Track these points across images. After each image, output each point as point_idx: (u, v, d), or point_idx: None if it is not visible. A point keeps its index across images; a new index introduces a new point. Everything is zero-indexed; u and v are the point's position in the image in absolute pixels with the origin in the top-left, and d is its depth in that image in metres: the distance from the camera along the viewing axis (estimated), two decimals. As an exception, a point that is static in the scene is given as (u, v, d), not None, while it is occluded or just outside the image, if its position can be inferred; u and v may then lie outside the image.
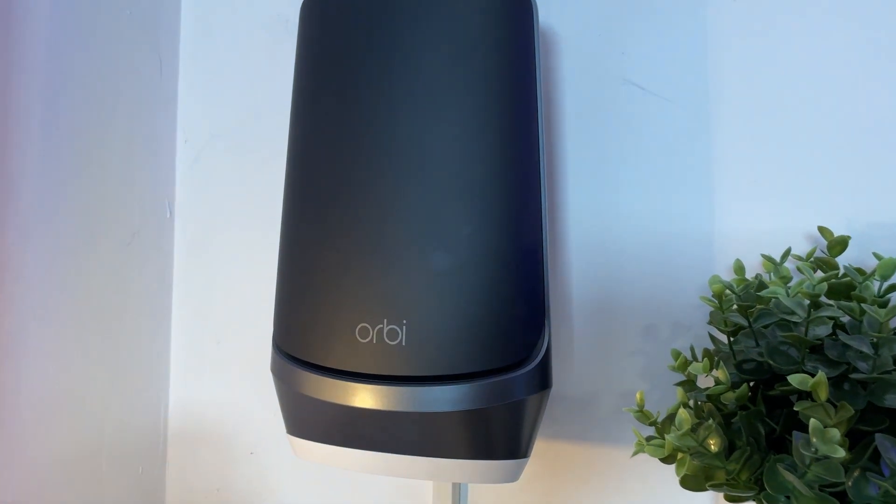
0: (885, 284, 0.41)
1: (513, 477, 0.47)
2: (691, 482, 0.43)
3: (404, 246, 0.45)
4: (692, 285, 0.54)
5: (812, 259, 0.45)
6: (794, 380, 0.36)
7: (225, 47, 0.68)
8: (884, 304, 0.42)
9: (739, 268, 0.46)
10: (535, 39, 0.49)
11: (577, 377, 0.56)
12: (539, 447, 0.57)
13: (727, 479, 0.40)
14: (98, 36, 0.58)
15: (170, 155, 0.67)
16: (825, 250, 0.45)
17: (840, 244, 0.44)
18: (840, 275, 0.42)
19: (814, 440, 0.34)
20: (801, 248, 0.49)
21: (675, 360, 0.48)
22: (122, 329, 0.61)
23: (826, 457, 0.34)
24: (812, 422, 0.34)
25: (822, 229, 0.46)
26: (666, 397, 0.53)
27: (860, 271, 0.43)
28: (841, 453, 0.33)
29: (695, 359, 0.47)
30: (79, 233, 0.56)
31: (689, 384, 0.45)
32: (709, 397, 0.43)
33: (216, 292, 0.66)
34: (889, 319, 0.36)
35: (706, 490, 0.41)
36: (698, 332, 0.53)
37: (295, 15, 0.54)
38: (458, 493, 0.58)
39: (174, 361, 0.67)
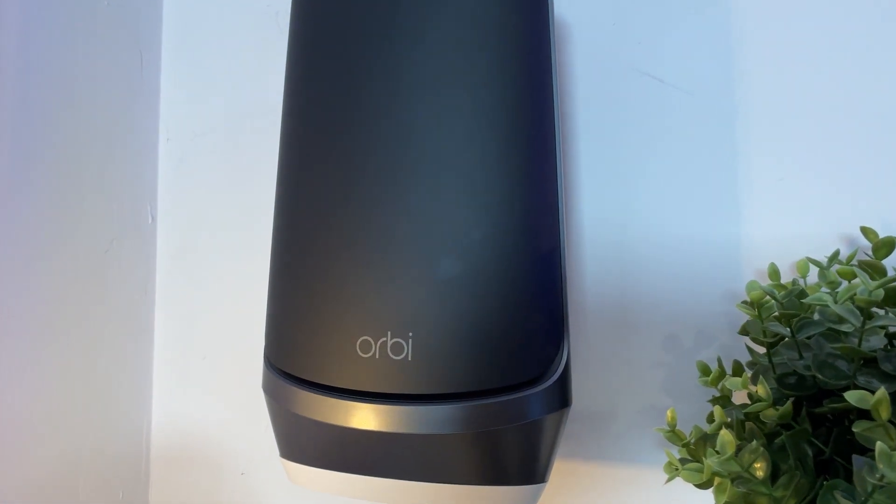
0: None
1: (531, 503, 0.43)
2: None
3: (409, 252, 0.41)
4: (716, 291, 0.50)
5: (855, 262, 0.41)
6: (852, 397, 0.32)
7: (210, 40, 0.64)
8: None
9: (775, 272, 0.42)
10: (551, 31, 0.45)
11: (592, 391, 0.52)
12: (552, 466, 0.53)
13: (772, 507, 0.36)
14: (74, 28, 0.54)
15: (152, 156, 0.63)
16: (869, 253, 0.41)
17: (887, 246, 0.40)
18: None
19: (880, 466, 0.30)
20: (837, 252, 0.46)
21: (702, 373, 0.44)
22: (99, 343, 0.57)
23: (891, 483, 0.30)
24: (879, 445, 0.30)
25: (865, 230, 0.42)
26: (690, 413, 0.49)
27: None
28: (912, 481, 0.29)
29: (723, 372, 0.43)
30: (51, 239, 0.52)
31: (723, 400, 0.42)
32: (747, 415, 0.39)
33: (202, 303, 0.62)
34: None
35: (748, 519, 0.37)
36: (724, 342, 0.50)
37: (285, 6, 0.50)
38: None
39: (157, 378, 0.63)
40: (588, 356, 0.52)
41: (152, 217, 0.63)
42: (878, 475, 0.30)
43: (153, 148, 0.63)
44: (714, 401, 0.42)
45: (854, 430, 0.33)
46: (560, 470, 0.52)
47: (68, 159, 0.53)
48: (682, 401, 0.50)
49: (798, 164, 0.49)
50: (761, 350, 0.42)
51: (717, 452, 0.35)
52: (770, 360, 0.40)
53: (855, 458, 0.32)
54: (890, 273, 0.40)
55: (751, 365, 0.43)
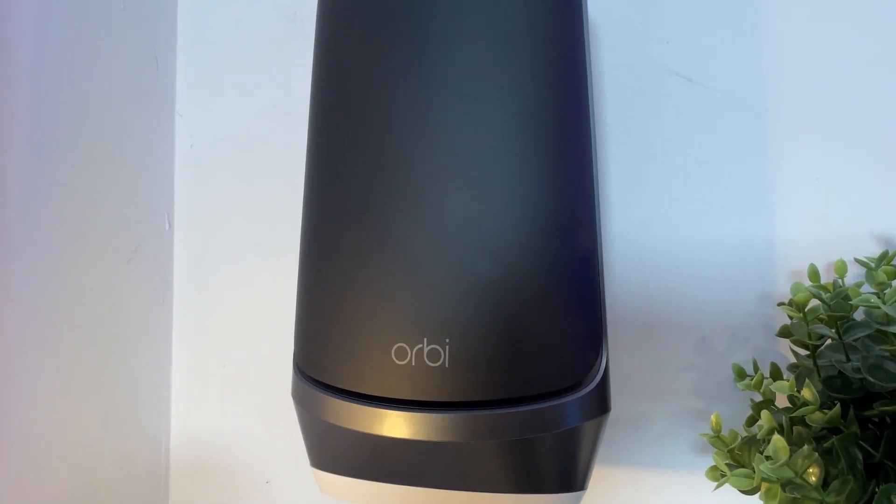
0: None
1: (568, 511, 0.43)
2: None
3: (447, 256, 0.40)
4: (749, 293, 0.49)
5: (894, 263, 0.41)
6: (910, 401, 0.32)
7: (226, 43, 0.63)
8: None
9: (815, 273, 0.42)
10: (585, 29, 0.44)
11: (624, 394, 0.51)
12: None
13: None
14: (89, 33, 0.53)
15: (168, 161, 0.62)
16: (911, 253, 0.41)
17: (930, 245, 0.40)
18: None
19: (944, 471, 0.30)
20: (872, 252, 0.45)
21: (738, 376, 0.43)
22: (118, 354, 0.56)
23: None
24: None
25: (905, 229, 0.42)
26: (724, 417, 0.48)
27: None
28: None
29: (762, 374, 0.43)
30: (69, 249, 0.51)
31: (767, 404, 0.41)
32: (793, 419, 0.39)
33: (220, 311, 0.61)
34: None
35: (798, 526, 0.37)
36: (757, 345, 0.49)
37: (302, 6, 0.49)
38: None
39: (175, 387, 0.62)
40: (620, 359, 0.51)
41: (169, 224, 0.62)
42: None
43: (169, 153, 0.62)
44: (757, 405, 0.41)
45: (913, 434, 0.32)
46: (593, 475, 0.52)
47: (84, 167, 0.52)
48: (715, 404, 0.49)
49: (833, 163, 0.48)
50: (803, 352, 0.41)
51: (767, 458, 0.34)
52: (815, 363, 0.39)
53: (914, 462, 0.32)
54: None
55: (792, 368, 0.42)
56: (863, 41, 0.48)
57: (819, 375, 0.39)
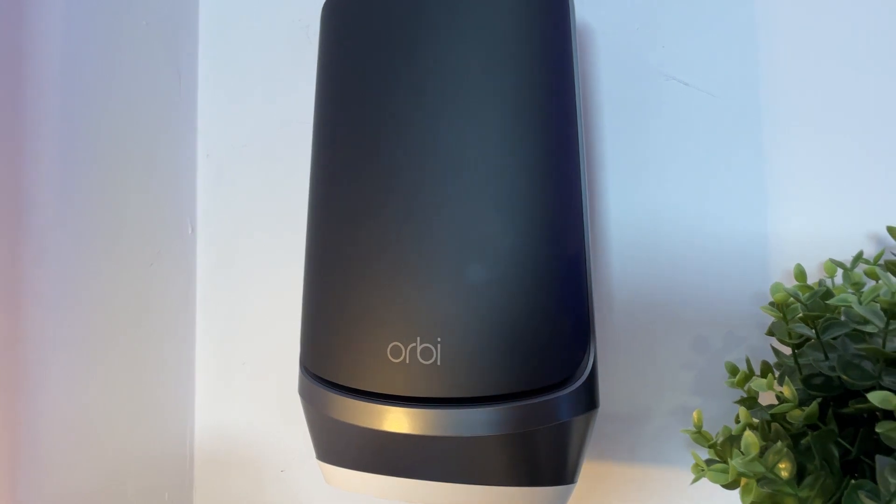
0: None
1: (559, 504, 0.44)
2: (759, 510, 0.39)
3: (438, 259, 0.42)
4: (745, 292, 0.50)
5: (882, 262, 0.41)
6: (875, 397, 0.32)
7: (245, 57, 0.66)
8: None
9: (801, 273, 0.42)
10: (573, 36, 0.46)
11: (622, 392, 0.53)
12: (584, 468, 0.54)
13: (799, 508, 0.37)
14: (114, 50, 0.56)
15: (190, 169, 0.65)
16: (896, 252, 0.41)
17: (913, 245, 0.40)
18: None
19: (903, 467, 0.30)
20: (866, 251, 0.46)
21: (731, 374, 0.44)
22: (145, 352, 0.59)
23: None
24: (901, 446, 0.30)
25: (891, 229, 0.42)
26: (720, 414, 0.49)
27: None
28: (935, 481, 0.30)
29: (752, 372, 0.44)
30: (98, 254, 0.54)
31: (750, 401, 0.42)
32: (773, 416, 0.40)
33: (241, 311, 0.64)
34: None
35: (775, 520, 0.38)
36: (753, 343, 0.50)
37: (315, 21, 0.52)
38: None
39: (199, 384, 0.65)
40: (618, 357, 0.52)
41: (192, 228, 0.65)
42: (901, 475, 0.30)
43: (192, 161, 0.65)
44: (741, 402, 0.42)
45: (878, 430, 0.33)
46: (592, 471, 0.53)
47: (112, 176, 0.55)
48: (712, 401, 0.50)
49: (826, 164, 0.48)
50: (788, 351, 0.42)
51: (742, 453, 0.35)
52: (796, 361, 0.40)
53: (878, 458, 0.32)
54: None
55: (778, 366, 0.43)
56: (854, 44, 0.49)
57: (801, 373, 0.40)
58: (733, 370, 0.44)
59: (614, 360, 0.52)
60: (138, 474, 0.58)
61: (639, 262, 0.52)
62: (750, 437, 0.35)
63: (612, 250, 0.53)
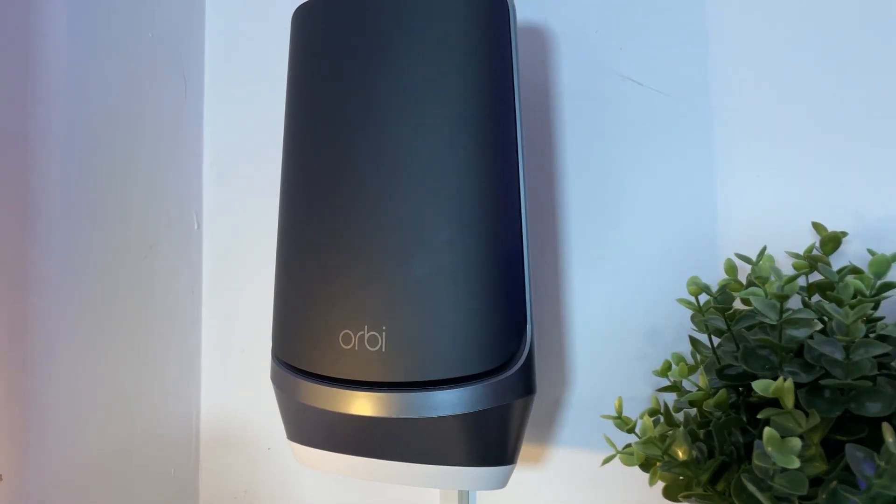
0: (878, 283, 0.38)
1: (500, 484, 0.47)
2: (673, 493, 0.41)
3: (384, 253, 0.45)
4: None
5: (807, 256, 0.43)
6: (758, 386, 0.34)
7: (248, 63, 0.70)
8: (876, 305, 0.39)
9: (731, 268, 0.44)
10: (513, 41, 0.48)
11: (581, 382, 0.55)
12: (548, 453, 0.56)
13: (702, 491, 0.38)
14: (121, 60, 0.62)
15: (196, 169, 0.70)
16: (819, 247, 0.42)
17: (833, 241, 0.41)
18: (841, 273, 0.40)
19: (769, 450, 0.32)
20: (807, 243, 0.47)
21: (675, 363, 0.46)
22: (153, 337, 0.64)
23: (785, 469, 0.32)
24: (767, 430, 0.32)
25: (816, 225, 0.43)
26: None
27: (856, 269, 0.41)
28: (796, 464, 0.31)
29: (678, 363, 0.45)
30: (110, 247, 0.60)
31: (675, 389, 0.44)
32: (691, 403, 0.42)
33: (241, 301, 0.69)
34: (856, 321, 0.33)
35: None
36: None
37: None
38: (466, 499, 0.58)
39: (205, 368, 0.70)
40: (575, 350, 0.54)
41: (198, 224, 0.70)
42: (770, 460, 0.32)
43: (198, 164, 0.71)
44: (664, 389, 0.44)
45: (759, 416, 0.35)
46: (552, 455, 0.55)
47: (121, 176, 0.61)
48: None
49: (774, 160, 0.49)
50: (715, 341, 0.44)
51: (640, 436, 0.37)
52: (714, 352, 0.42)
53: (756, 443, 0.34)
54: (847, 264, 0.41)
55: (701, 357, 0.45)
56: (801, 44, 0.49)
57: (718, 364, 0.41)
58: (678, 360, 0.46)
59: (572, 351, 0.54)
60: (145, 450, 0.64)
61: (596, 255, 0.54)
62: (647, 422, 0.37)
63: (572, 245, 0.55)
